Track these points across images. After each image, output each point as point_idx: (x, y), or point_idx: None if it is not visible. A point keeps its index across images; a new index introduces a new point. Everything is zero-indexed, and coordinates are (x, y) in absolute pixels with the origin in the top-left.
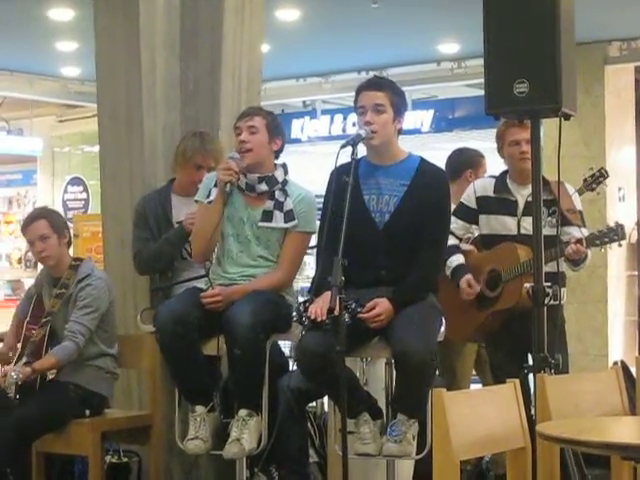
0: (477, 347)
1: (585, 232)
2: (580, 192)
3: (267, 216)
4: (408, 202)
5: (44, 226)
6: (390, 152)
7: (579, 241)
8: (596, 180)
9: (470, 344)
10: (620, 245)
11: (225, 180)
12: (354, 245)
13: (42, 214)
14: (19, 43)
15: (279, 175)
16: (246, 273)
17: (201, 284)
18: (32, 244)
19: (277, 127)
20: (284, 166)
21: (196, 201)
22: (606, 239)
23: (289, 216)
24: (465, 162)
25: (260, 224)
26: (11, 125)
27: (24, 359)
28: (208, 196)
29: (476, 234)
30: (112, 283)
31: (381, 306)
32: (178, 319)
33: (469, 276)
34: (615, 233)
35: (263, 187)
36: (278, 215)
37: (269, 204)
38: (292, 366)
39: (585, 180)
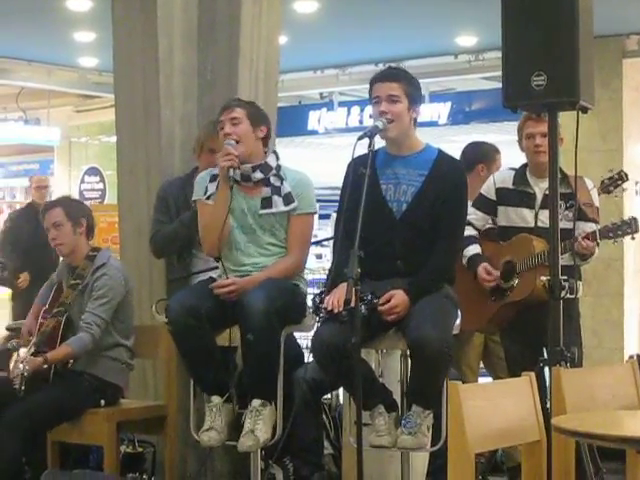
0: (483, 339)
1: (597, 227)
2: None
3: (266, 202)
4: (426, 192)
5: (59, 214)
6: (407, 142)
7: (588, 235)
8: (614, 183)
9: (476, 336)
10: (633, 238)
11: (227, 165)
12: (371, 235)
13: (59, 202)
14: (37, 33)
15: (271, 161)
16: (260, 265)
17: (216, 274)
18: (48, 231)
19: (259, 115)
20: (275, 152)
21: (194, 201)
22: (619, 232)
23: (288, 199)
24: (479, 156)
25: (261, 211)
26: (28, 115)
27: (32, 348)
28: (205, 192)
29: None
30: (128, 273)
31: (397, 298)
32: (190, 311)
33: (486, 264)
34: (629, 226)
35: (258, 175)
36: (277, 200)
37: (266, 191)
38: (308, 358)
39: (602, 182)
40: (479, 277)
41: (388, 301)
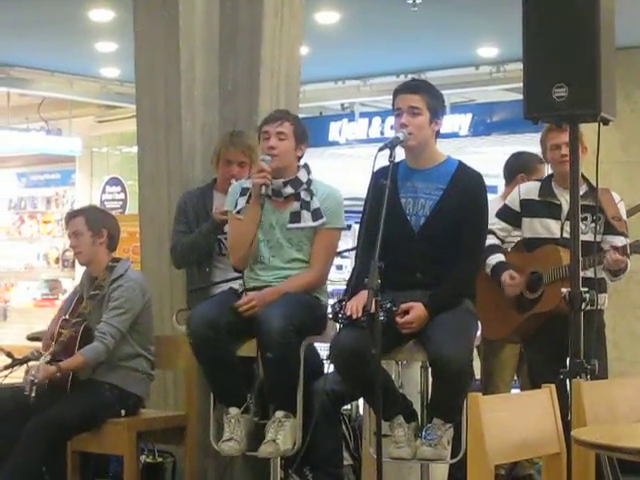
0: (519, 350)
1: (627, 241)
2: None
3: (295, 217)
4: (444, 206)
5: (79, 223)
6: (427, 155)
7: (619, 249)
8: None
9: (511, 346)
10: None
11: (260, 183)
12: (390, 248)
13: (81, 211)
14: (59, 44)
15: (302, 176)
16: (280, 275)
17: (237, 284)
18: (70, 239)
19: (303, 133)
20: (306, 166)
21: (186, 222)
22: None
23: (317, 215)
24: (520, 166)
25: (289, 226)
26: (50, 125)
27: (48, 357)
28: (235, 206)
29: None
30: (147, 284)
31: (414, 312)
32: (210, 323)
33: (511, 271)
34: None
35: (289, 190)
36: (306, 215)
37: (296, 205)
38: (327, 369)
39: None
40: (502, 282)
41: (406, 312)
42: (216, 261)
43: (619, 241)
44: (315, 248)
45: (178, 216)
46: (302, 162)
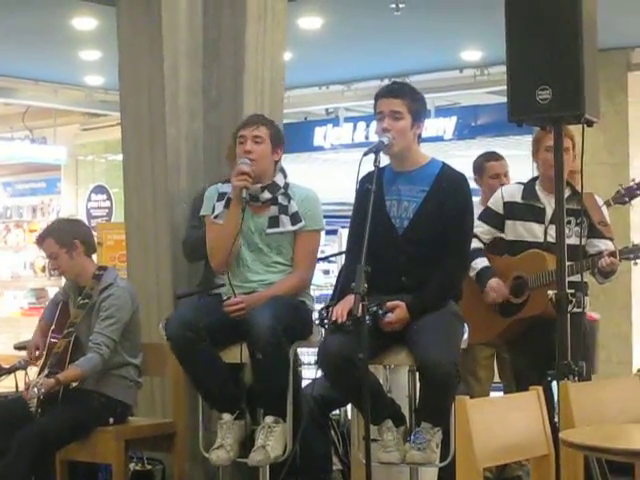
0: (494, 352)
1: (610, 245)
2: (607, 204)
3: (274, 222)
4: (427, 208)
5: (50, 245)
6: (410, 158)
7: (612, 254)
8: (632, 193)
9: (486, 348)
10: None
11: (240, 185)
12: (377, 251)
13: (47, 233)
14: (43, 52)
15: (279, 180)
16: (266, 282)
17: (223, 291)
18: (49, 261)
19: (280, 137)
20: (282, 170)
21: (202, 216)
22: (631, 255)
23: (295, 218)
24: (473, 168)
25: (268, 231)
26: (35, 134)
27: (46, 370)
28: (213, 210)
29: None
30: (135, 292)
31: (398, 313)
32: (188, 324)
33: (497, 279)
34: None
35: (266, 195)
36: (284, 219)
37: (274, 210)
38: (315, 374)
39: (618, 192)
40: (486, 293)
41: (391, 310)
42: None
43: (605, 245)
44: (297, 252)
45: (192, 211)
46: (279, 166)
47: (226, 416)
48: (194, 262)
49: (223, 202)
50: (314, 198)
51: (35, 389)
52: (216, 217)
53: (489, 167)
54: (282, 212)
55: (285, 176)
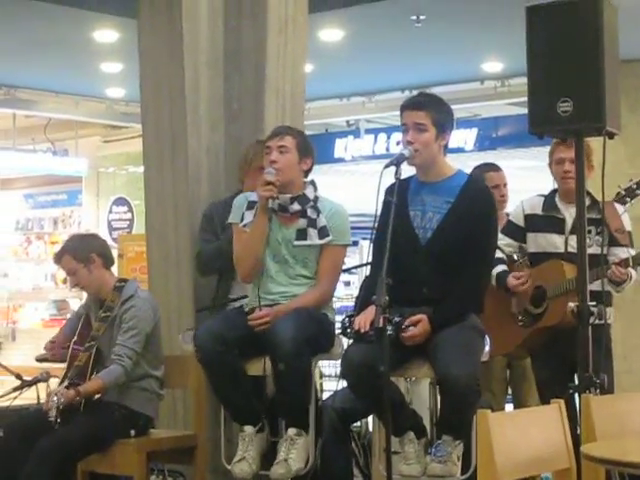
0: (506, 363)
1: (632, 252)
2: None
3: (301, 234)
4: (451, 219)
5: (68, 261)
6: (435, 169)
7: (622, 262)
8: (632, 193)
9: (499, 358)
10: None
11: (266, 196)
12: (398, 262)
13: (63, 250)
14: (64, 65)
15: (309, 193)
16: (289, 294)
17: (245, 303)
18: (68, 278)
19: (307, 147)
20: (313, 183)
21: (230, 223)
22: None
23: (323, 232)
24: None
25: (296, 243)
26: (56, 146)
27: (67, 382)
28: (242, 219)
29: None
30: (156, 304)
31: (421, 326)
32: (217, 337)
33: (515, 273)
34: None
35: (295, 207)
36: (312, 232)
37: (302, 222)
38: (337, 386)
39: (618, 193)
40: (509, 284)
41: (413, 324)
42: (236, 274)
43: (622, 253)
44: (321, 265)
45: (204, 225)
46: (309, 179)
47: (248, 429)
48: (207, 276)
49: (253, 211)
50: (343, 213)
51: (55, 399)
52: (245, 226)
53: (488, 178)
54: (310, 225)
55: (315, 189)
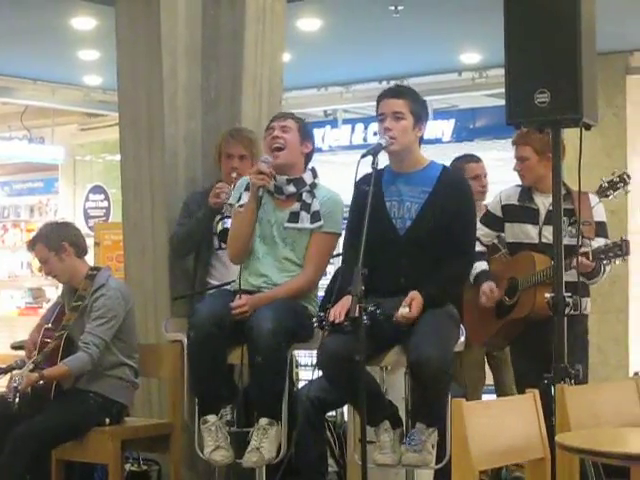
0: (484, 354)
1: (594, 245)
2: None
3: (293, 217)
4: (429, 209)
5: (40, 249)
6: (411, 159)
7: (584, 254)
8: (613, 186)
9: (475, 349)
10: (624, 260)
11: (258, 184)
12: (376, 252)
13: (37, 237)
14: (42, 52)
15: (307, 178)
16: (270, 282)
17: (232, 288)
18: (41, 267)
19: (308, 132)
20: (313, 170)
21: (230, 204)
22: (611, 254)
23: (315, 217)
24: None
25: (286, 225)
26: (33, 133)
27: (31, 365)
28: (239, 200)
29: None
30: (129, 292)
31: (415, 305)
32: (216, 320)
33: (491, 283)
34: (619, 248)
35: (291, 189)
36: (304, 216)
37: (296, 205)
38: (312, 375)
39: (600, 186)
40: (481, 294)
41: (409, 303)
42: (214, 258)
43: (585, 245)
44: (309, 251)
45: (181, 211)
46: (309, 165)
47: (212, 417)
48: (181, 257)
49: (249, 193)
50: (338, 201)
51: (16, 379)
52: (241, 206)
53: (469, 169)
54: (303, 209)
55: (315, 176)
